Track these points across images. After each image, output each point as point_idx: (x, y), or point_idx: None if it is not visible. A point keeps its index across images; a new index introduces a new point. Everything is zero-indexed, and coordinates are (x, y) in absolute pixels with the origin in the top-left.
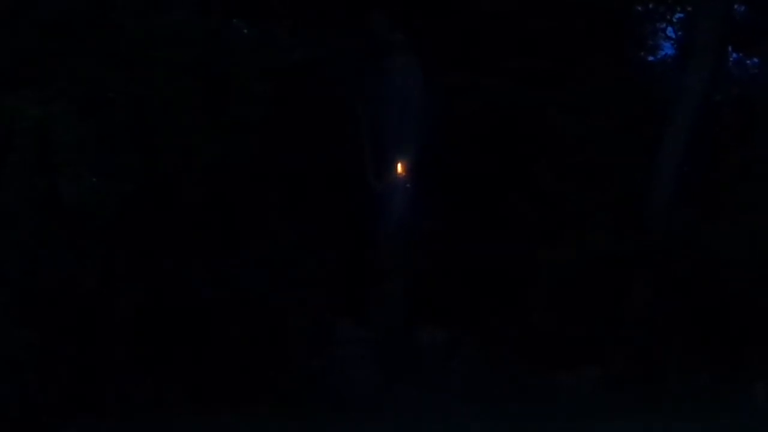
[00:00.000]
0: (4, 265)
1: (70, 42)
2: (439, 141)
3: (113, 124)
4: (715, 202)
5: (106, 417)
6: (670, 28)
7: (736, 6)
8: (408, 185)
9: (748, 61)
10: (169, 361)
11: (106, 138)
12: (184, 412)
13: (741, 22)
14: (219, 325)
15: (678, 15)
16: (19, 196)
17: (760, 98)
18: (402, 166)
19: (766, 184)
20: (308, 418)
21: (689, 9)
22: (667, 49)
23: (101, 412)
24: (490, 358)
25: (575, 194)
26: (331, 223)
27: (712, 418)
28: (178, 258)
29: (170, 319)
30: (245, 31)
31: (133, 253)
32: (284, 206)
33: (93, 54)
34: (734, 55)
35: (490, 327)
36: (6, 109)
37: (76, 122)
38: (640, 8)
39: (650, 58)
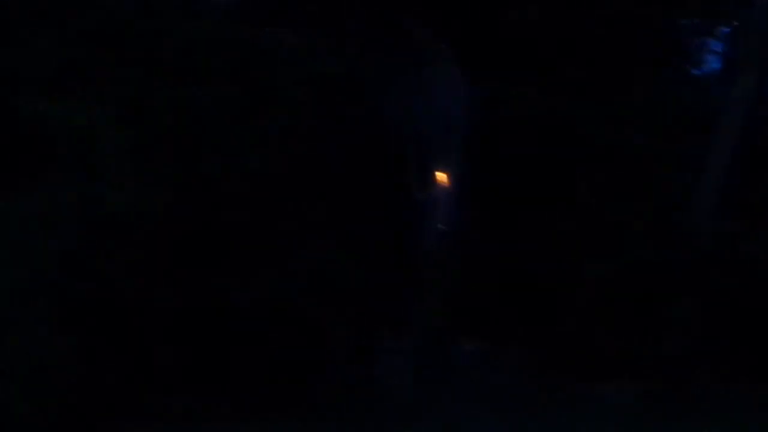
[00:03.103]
0: (45, 272)
1: (113, 50)
2: (481, 152)
3: (156, 132)
4: (758, 215)
5: (145, 423)
6: (715, 43)
7: None
8: (450, 195)
9: None
10: (209, 369)
11: (148, 145)
12: (222, 419)
13: None
14: (258, 334)
15: (724, 29)
16: (61, 203)
17: None
18: (444, 176)
19: None
20: (346, 427)
21: (735, 23)
22: (713, 64)
23: (141, 419)
24: (529, 370)
25: (617, 206)
26: (372, 233)
27: None
28: (218, 266)
29: (210, 327)
30: (287, 39)
31: (174, 261)
32: (325, 215)
33: (136, 62)
34: None
35: (529, 338)
36: (49, 116)
37: (119, 129)
38: (684, 22)
39: (695, 72)
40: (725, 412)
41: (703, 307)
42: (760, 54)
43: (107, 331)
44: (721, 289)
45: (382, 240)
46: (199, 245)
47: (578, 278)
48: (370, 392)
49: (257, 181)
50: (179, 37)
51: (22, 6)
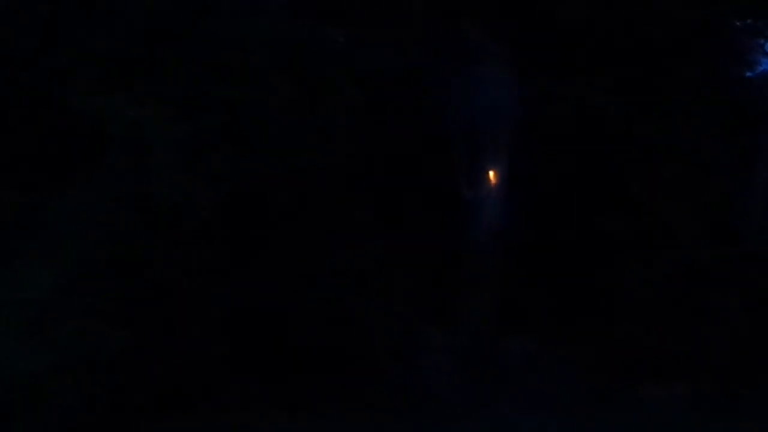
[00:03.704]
0: (96, 266)
1: (164, 45)
2: (531, 150)
3: (207, 128)
4: None
5: (194, 418)
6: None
7: None
8: (499, 194)
9: None
10: (254, 364)
11: (200, 141)
12: (266, 415)
13: None
14: (306, 331)
15: None
16: (112, 197)
17: None
18: (493, 175)
19: None
20: (392, 425)
21: None
22: (765, 65)
23: (190, 413)
24: (577, 370)
25: (666, 205)
26: (420, 231)
27: None
28: (267, 263)
29: (258, 323)
30: (338, 37)
31: (223, 257)
32: (374, 213)
33: (187, 57)
34: None
35: (578, 338)
36: (100, 111)
37: (169, 125)
38: (738, 23)
39: (748, 74)
40: None
41: (752, 306)
42: None
43: (156, 325)
44: None
45: (430, 238)
46: (247, 241)
47: (628, 278)
48: (417, 391)
49: (307, 178)
50: (232, 34)
51: (76, 2)
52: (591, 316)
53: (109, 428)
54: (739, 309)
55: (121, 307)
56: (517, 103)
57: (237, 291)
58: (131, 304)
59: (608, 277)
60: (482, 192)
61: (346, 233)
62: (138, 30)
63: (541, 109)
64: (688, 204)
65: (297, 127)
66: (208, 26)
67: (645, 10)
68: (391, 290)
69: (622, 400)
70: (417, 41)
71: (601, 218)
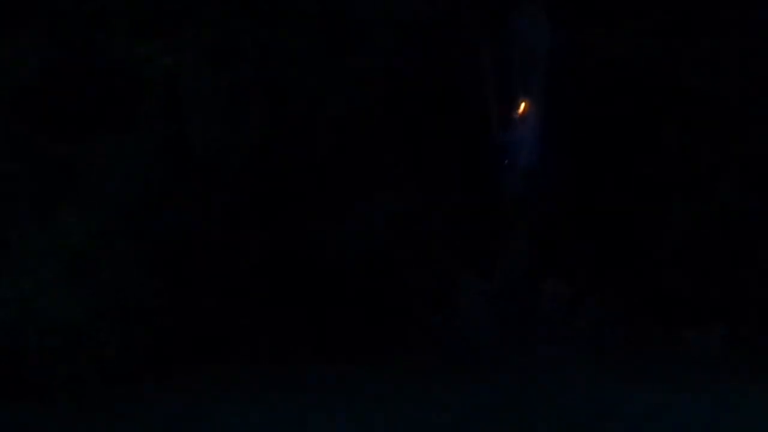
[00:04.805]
0: (134, 213)
1: None
2: (566, 94)
3: (242, 74)
4: None
5: (229, 364)
6: None
7: None
8: (534, 138)
9: None
10: (293, 311)
11: (235, 88)
12: (302, 362)
13: None
14: (341, 277)
15: None
16: (149, 145)
17: None
18: (528, 119)
19: None
20: (428, 370)
21: None
22: None
23: (225, 359)
24: (614, 314)
25: (706, 149)
26: (455, 175)
27: None
28: (301, 209)
29: (295, 269)
30: None
31: (259, 203)
32: (408, 157)
33: (222, 3)
34: None
35: (615, 282)
36: (137, 58)
37: (205, 72)
38: None
39: None
40: None
41: None
42: None
43: (192, 272)
44: None
45: (465, 182)
46: (283, 187)
47: (664, 221)
48: (454, 336)
49: (341, 124)
50: None
51: None
52: (628, 260)
53: (145, 374)
54: None
55: (157, 254)
56: (552, 48)
57: (273, 237)
58: (167, 250)
59: (646, 221)
60: (517, 136)
61: (381, 179)
62: None
63: (577, 54)
64: (729, 147)
65: (332, 73)
66: None
67: None
68: (427, 236)
69: (660, 342)
70: None
71: (638, 163)
